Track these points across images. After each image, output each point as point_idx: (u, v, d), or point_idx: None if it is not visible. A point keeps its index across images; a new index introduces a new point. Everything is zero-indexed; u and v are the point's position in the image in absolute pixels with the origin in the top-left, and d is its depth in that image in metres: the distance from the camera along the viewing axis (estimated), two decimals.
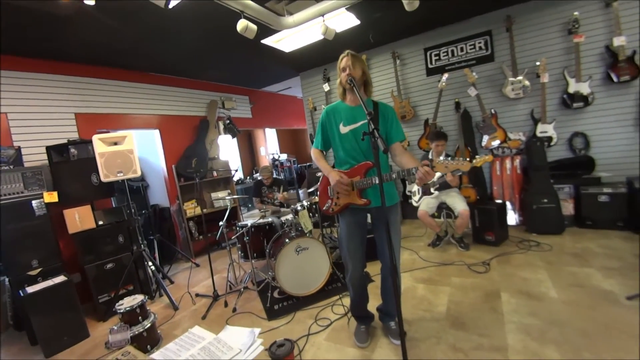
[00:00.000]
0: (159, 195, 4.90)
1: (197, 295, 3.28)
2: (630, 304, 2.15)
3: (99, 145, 3.01)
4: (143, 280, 3.28)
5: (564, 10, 3.71)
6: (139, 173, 3.24)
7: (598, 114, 3.70)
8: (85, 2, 2.31)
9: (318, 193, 2.17)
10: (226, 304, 2.95)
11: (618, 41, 3.37)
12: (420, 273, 3.08)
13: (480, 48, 4.30)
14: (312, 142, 5.64)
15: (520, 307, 2.32)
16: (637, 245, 3.04)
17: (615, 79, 3.48)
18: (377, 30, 4.22)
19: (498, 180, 4.23)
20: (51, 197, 2.96)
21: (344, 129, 1.92)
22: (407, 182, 4.49)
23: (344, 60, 1.88)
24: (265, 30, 3.16)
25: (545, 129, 3.94)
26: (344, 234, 2.01)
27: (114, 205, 3.66)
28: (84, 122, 3.77)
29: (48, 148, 3.17)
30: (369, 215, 2.11)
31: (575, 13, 3.57)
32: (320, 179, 2.15)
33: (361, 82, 1.89)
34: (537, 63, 3.81)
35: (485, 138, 4.27)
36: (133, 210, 3.37)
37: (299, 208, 3.18)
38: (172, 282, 3.77)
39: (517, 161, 4.06)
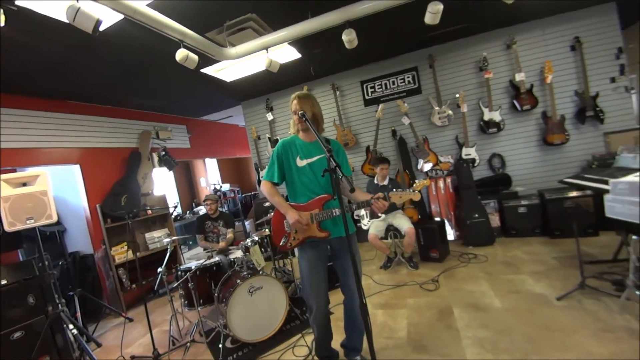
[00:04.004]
0: (79, 240, 4.22)
1: (132, 357, 2.80)
2: (561, 304, 2.43)
3: (3, 187, 2.50)
4: (62, 347, 2.69)
5: (474, 51, 4.35)
6: (55, 218, 2.74)
7: (509, 138, 4.32)
8: None
9: (272, 228, 2.05)
10: None
11: (519, 77, 4.05)
12: (378, 298, 3.09)
13: (409, 82, 4.76)
14: (257, 171, 5.55)
15: (471, 320, 2.45)
16: (553, 249, 3.51)
17: (519, 108, 4.12)
18: (317, 63, 4.41)
19: (435, 200, 4.58)
20: None
21: (300, 162, 1.92)
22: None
23: (293, 104, 1.91)
24: (206, 59, 3.07)
25: (469, 152, 4.44)
26: (306, 270, 1.93)
27: (21, 259, 3.03)
28: None
29: None
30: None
31: (484, 53, 4.22)
32: (273, 212, 2.05)
33: (312, 121, 1.91)
34: (457, 95, 4.34)
35: (420, 162, 4.64)
36: (47, 263, 2.82)
37: (249, 244, 3.00)
38: (99, 345, 3.17)
39: (449, 181, 4.47)
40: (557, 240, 3.72)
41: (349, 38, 2.67)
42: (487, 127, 4.32)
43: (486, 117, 4.30)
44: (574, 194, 3.66)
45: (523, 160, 4.30)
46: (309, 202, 1.90)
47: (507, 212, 4.09)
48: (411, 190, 1.82)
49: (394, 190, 1.82)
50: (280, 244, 1.95)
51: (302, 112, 1.79)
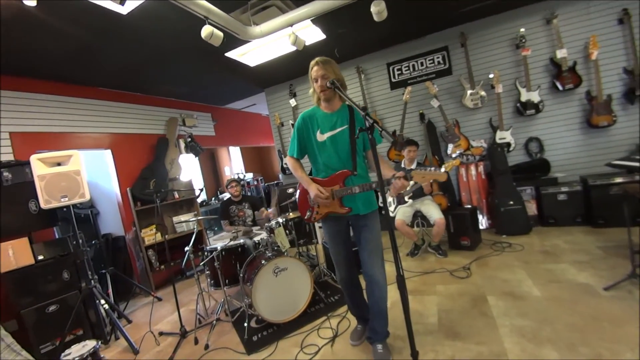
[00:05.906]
0: (111, 223, 4.38)
1: (161, 334, 2.87)
2: (609, 294, 2.23)
3: (39, 166, 2.60)
4: (95, 322, 2.81)
5: (511, 27, 4.04)
6: (87, 197, 2.84)
7: (548, 120, 4.02)
8: (25, 2, 2.03)
9: (298, 201, 2.10)
10: (197, 341, 2.60)
11: (560, 54, 3.72)
12: (405, 284, 2.98)
13: (438, 62, 4.52)
14: (281, 158, 5.53)
15: (508, 309, 2.29)
16: (598, 238, 3.24)
17: (560, 88, 3.81)
18: (342, 45, 4.28)
19: (465, 187, 4.37)
20: None
21: (321, 137, 1.88)
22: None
23: (314, 70, 1.83)
24: (230, 41, 3.02)
25: (504, 136, 4.17)
26: (328, 240, 2.05)
27: (57, 236, 3.17)
28: (21, 142, 3.28)
29: None
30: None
31: (522, 29, 3.91)
32: (298, 186, 2.09)
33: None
34: (491, 75, 4.07)
35: (450, 146, 4.42)
36: (81, 241, 2.93)
37: (274, 225, 2.97)
38: (129, 322, 3.29)
39: (481, 167, 4.24)
40: (601, 229, 3.44)
41: (378, 9, 2.53)
42: (525, 109, 4.03)
43: (523, 98, 4.02)
44: (620, 179, 3.35)
45: (564, 145, 3.99)
46: (330, 177, 1.89)
47: (545, 199, 3.82)
48: (439, 169, 1.71)
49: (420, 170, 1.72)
50: (306, 217, 2.03)
51: (332, 79, 1.71)
